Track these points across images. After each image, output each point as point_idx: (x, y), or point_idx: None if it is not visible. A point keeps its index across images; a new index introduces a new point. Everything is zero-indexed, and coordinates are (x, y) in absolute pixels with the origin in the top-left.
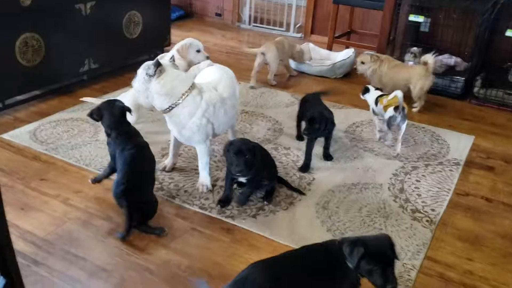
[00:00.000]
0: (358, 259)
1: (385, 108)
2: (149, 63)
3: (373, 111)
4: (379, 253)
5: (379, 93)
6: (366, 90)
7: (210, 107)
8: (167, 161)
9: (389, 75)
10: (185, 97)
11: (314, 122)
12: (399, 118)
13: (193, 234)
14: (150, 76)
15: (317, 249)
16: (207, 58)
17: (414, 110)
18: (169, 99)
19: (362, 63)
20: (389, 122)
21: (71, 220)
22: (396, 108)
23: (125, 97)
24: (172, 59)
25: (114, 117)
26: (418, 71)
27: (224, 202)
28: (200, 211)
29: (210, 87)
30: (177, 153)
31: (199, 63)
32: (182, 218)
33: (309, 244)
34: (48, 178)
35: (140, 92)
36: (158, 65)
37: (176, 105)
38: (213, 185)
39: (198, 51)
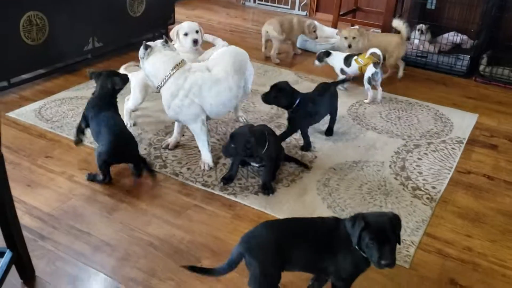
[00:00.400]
0: (359, 232)
1: (364, 67)
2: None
3: (342, 71)
4: (379, 228)
5: (344, 54)
6: (327, 54)
7: (194, 88)
8: (171, 139)
9: (370, 46)
10: (168, 78)
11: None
12: (380, 73)
13: (196, 211)
14: (141, 58)
15: (327, 221)
16: (194, 42)
17: (398, 76)
18: (156, 79)
19: (354, 38)
20: (372, 79)
21: (76, 197)
22: (376, 64)
23: (136, 75)
24: (165, 40)
25: (103, 89)
26: (395, 40)
27: (227, 180)
28: (203, 188)
29: (203, 68)
30: (181, 132)
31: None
32: (185, 195)
33: (322, 216)
34: (53, 156)
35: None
36: (146, 47)
37: (162, 85)
38: (216, 163)
39: (186, 34)
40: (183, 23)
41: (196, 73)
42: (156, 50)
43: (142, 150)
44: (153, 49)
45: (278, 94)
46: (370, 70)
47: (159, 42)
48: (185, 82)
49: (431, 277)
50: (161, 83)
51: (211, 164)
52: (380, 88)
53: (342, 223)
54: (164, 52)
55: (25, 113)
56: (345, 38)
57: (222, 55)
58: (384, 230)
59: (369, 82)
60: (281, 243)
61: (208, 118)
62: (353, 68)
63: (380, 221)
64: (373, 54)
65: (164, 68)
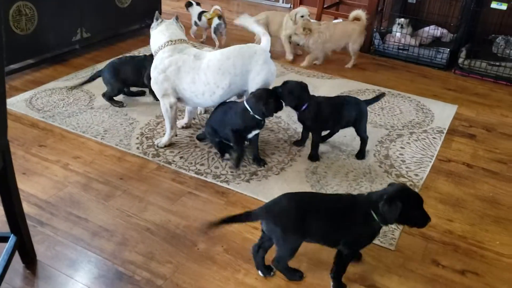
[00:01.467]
0: (398, 214)
1: (210, 20)
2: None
3: (195, 23)
4: (413, 201)
5: (200, 9)
6: (189, 4)
7: (172, 67)
8: (180, 121)
9: (334, 36)
10: (158, 50)
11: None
12: (223, 24)
13: (190, 198)
14: (151, 27)
15: (345, 197)
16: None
17: (349, 66)
18: (152, 48)
19: (309, 30)
20: (216, 29)
21: (71, 184)
22: (220, 17)
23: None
24: (176, 17)
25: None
26: (357, 28)
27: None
28: (196, 176)
29: (192, 53)
30: (191, 116)
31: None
32: (179, 182)
33: (339, 193)
34: (47, 145)
35: None
36: (157, 18)
37: (154, 55)
38: (209, 152)
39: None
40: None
41: (181, 55)
42: (164, 23)
43: (134, 139)
44: (162, 22)
45: (286, 94)
46: (215, 22)
47: (173, 17)
48: (167, 59)
49: (415, 258)
50: (153, 53)
51: (161, 145)
52: (224, 37)
53: (359, 199)
54: (169, 27)
55: (16, 103)
56: (296, 34)
57: (228, 50)
58: (416, 199)
59: (215, 32)
60: (301, 212)
61: (182, 100)
62: (203, 22)
63: (408, 194)
64: (216, 9)
65: (160, 40)
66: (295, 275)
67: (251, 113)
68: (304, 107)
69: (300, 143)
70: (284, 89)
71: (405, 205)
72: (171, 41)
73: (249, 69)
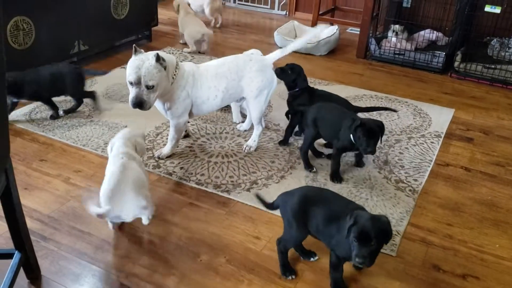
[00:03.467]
0: (355, 128)
1: None
2: None
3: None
4: (369, 128)
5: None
6: None
7: (189, 80)
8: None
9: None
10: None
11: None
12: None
13: (191, 209)
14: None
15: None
16: None
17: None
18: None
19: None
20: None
21: (73, 198)
22: None
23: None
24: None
25: None
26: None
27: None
28: (197, 186)
29: (193, 64)
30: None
31: None
32: (180, 193)
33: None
34: (48, 159)
35: None
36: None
37: None
38: (208, 162)
39: None
40: None
41: (188, 67)
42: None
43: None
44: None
45: (286, 71)
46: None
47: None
48: (182, 78)
49: (416, 264)
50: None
51: (163, 156)
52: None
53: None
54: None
55: (16, 118)
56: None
57: (225, 57)
58: (372, 130)
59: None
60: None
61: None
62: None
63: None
64: None
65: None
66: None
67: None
68: (296, 90)
69: (284, 142)
70: (286, 67)
71: (362, 126)
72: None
73: (243, 75)
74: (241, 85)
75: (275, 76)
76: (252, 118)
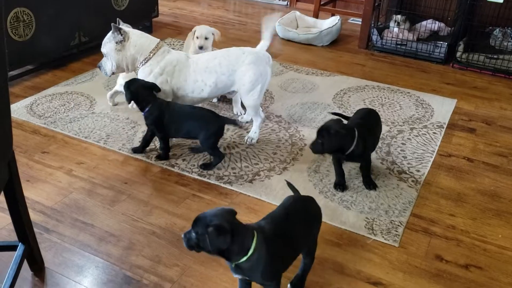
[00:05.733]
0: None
1: None
2: None
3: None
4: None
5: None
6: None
7: (168, 67)
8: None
9: None
10: (150, 56)
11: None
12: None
13: (194, 200)
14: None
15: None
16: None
17: None
18: (140, 59)
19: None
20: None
21: (76, 190)
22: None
23: None
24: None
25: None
26: None
27: (338, 185)
28: (199, 178)
29: (182, 53)
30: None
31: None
32: (182, 185)
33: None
34: (49, 151)
35: None
36: (119, 30)
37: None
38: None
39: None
40: (198, 27)
41: (173, 55)
42: (134, 32)
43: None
44: (130, 32)
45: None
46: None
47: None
48: (162, 61)
49: (419, 254)
50: (139, 62)
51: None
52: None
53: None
54: (142, 33)
55: (17, 110)
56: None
57: (216, 51)
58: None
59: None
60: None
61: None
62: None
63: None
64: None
65: (150, 45)
66: None
67: None
68: (146, 109)
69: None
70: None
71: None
72: (158, 43)
73: (235, 69)
74: (232, 79)
75: (269, 69)
76: (247, 112)
